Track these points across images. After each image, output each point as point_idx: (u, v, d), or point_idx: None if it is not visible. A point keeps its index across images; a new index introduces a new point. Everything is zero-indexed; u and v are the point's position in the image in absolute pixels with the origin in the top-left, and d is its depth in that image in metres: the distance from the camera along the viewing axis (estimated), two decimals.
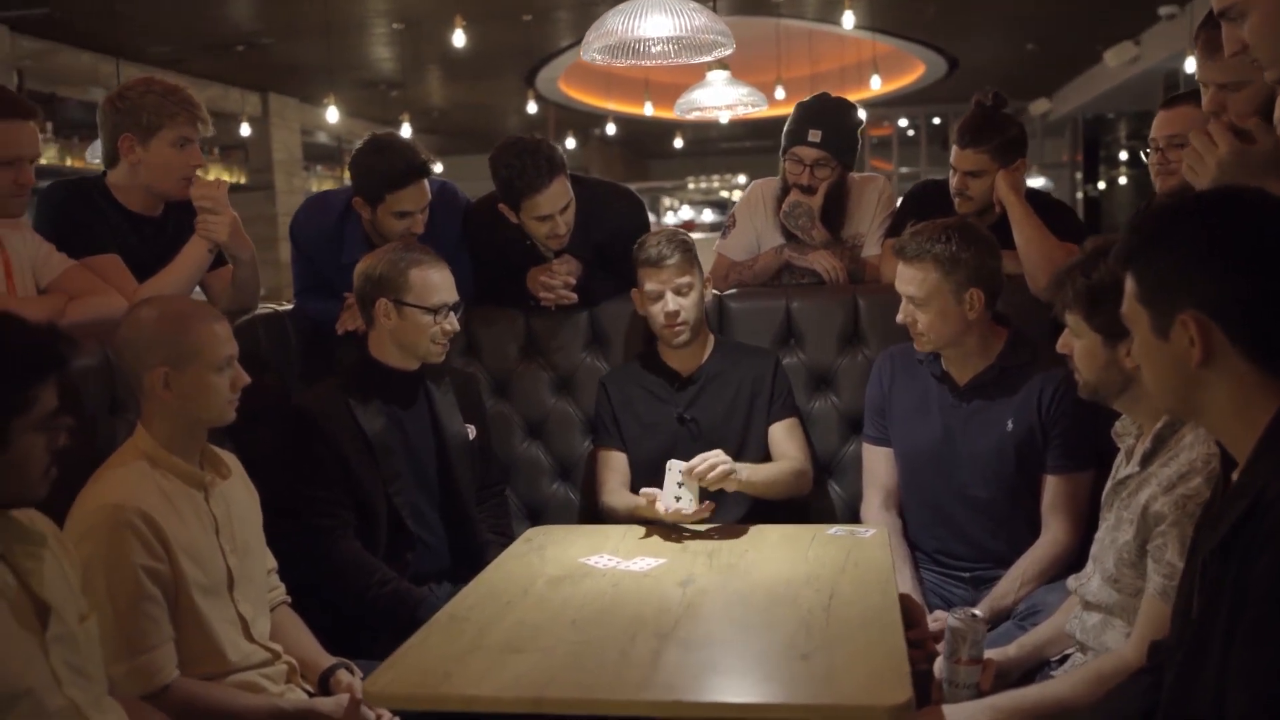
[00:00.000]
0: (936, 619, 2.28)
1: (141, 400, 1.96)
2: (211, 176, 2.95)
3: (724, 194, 18.50)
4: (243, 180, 10.42)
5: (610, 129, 13.27)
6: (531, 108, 10.64)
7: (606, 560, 2.17)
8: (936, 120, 15.08)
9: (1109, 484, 1.94)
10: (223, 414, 1.99)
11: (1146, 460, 1.82)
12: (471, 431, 2.63)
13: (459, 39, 6.99)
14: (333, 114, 8.58)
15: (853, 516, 2.78)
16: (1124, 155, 14.06)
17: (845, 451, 2.81)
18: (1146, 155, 2.80)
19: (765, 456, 2.66)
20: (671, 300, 2.64)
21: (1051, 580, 2.30)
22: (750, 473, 2.45)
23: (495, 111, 12.98)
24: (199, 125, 2.52)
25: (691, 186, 19.09)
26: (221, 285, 2.69)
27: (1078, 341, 1.89)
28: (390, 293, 2.45)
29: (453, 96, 12.20)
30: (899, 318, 2.43)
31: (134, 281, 2.46)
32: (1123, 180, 14.50)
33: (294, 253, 2.96)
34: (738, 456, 2.60)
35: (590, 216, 2.87)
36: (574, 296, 2.89)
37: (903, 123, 15.55)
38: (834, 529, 2.35)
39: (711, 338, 2.78)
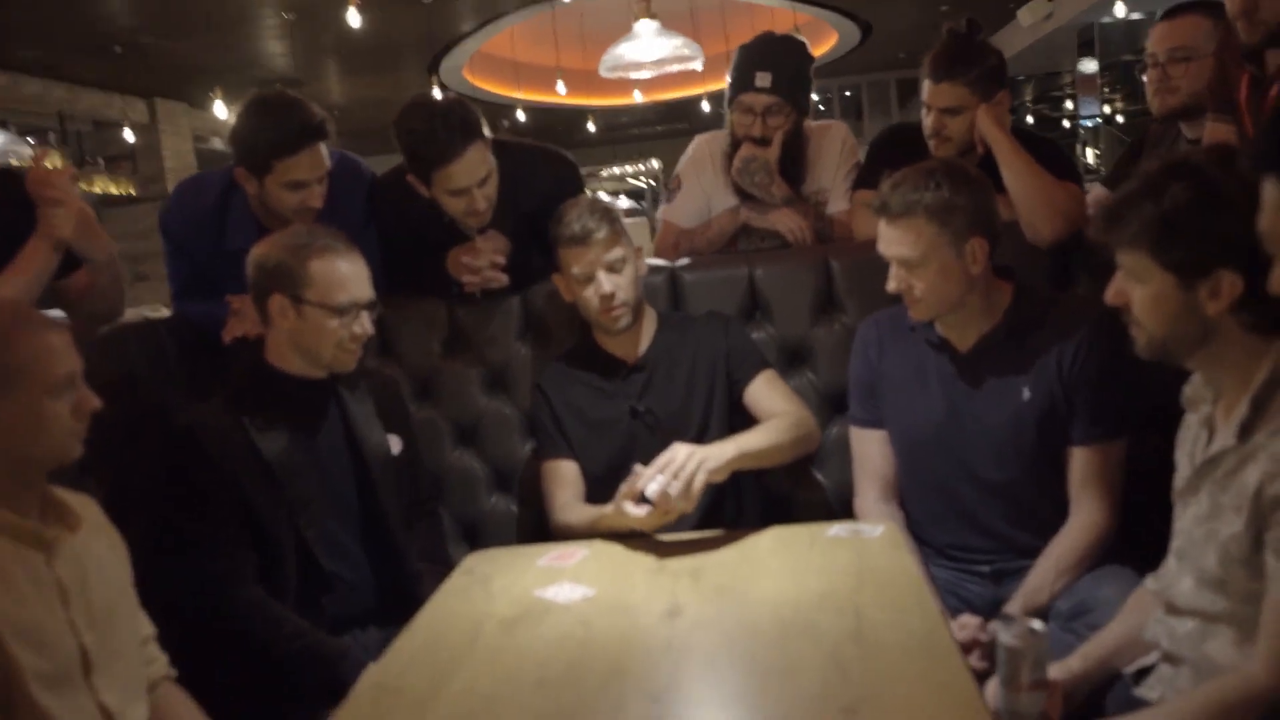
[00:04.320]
0: (964, 626, 1.93)
1: None
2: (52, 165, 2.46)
3: (639, 182, 18.16)
4: (131, 192, 9.77)
5: (520, 117, 12.81)
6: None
7: (568, 591, 1.77)
8: (848, 93, 14.86)
9: (1187, 460, 1.59)
10: (63, 449, 1.55)
11: (1246, 431, 1.46)
12: (395, 444, 2.21)
13: (354, 20, 6.50)
14: (221, 110, 8.05)
15: (844, 509, 2.41)
16: (1030, 120, 13.93)
17: (829, 435, 2.44)
18: (1142, 73, 2.49)
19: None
20: (605, 280, 2.24)
21: (1093, 568, 1.96)
22: (742, 443, 2.05)
23: (399, 106, 12.41)
24: None
25: (605, 174, 18.68)
26: (77, 292, 2.23)
27: (1140, 288, 1.52)
28: (287, 287, 2.02)
29: (353, 92, 11.63)
30: (891, 285, 2.06)
31: None
32: None
33: (166, 247, 2.50)
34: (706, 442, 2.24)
35: (517, 185, 2.46)
36: (503, 278, 2.48)
37: (814, 96, 15.29)
38: (834, 528, 1.98)
39: (653, 314, 2.39)
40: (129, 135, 9.39)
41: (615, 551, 1.97)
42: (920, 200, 1.99)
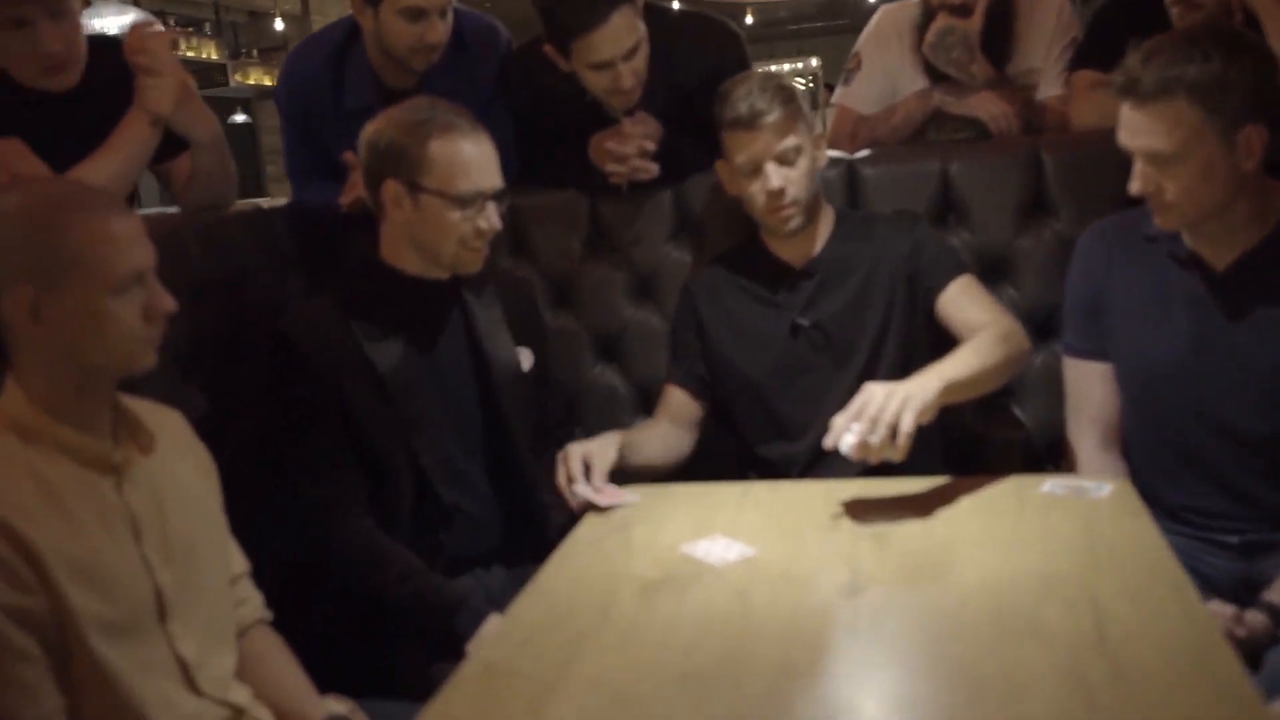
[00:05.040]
0: (1213, 614, 1.56)
1: (7, 339, 1.28)
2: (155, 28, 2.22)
3: (798, 82, 17.45)
4: None
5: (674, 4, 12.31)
6: None
7: (722, 549, 1.46)
8: None
9: None
10: (130, 357, 1.30)
11: None
12: (526, 358, 1.93)
13: None
14: None
15: (1050, 455, 2.04)
16: None
17: (1033, 365, 2.05)
18: None
19: (920, 361, 1.94)
20: (774, 174, 1.88)
21: None
22: (947, 371, 1.64)
23: None
24: None
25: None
26: (182, 178, 2.00)
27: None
28: (403, 172, 1.73)
29: None
30: (1134, 187, 1.64)
31: (46, 170, 1.78)
32: None
33: (283, 124, 2.26)
34: (879, 368, 1.90)
35: (672, 59, 2.11)
36: (654, 169, 2.13)
37: None
38: (1048, 483, 1.61)
39: (830, 212, 2.02)
40: (281, 25, 9.28)
41: (777, 500, 1.65)
42: (1183, 77, 1.56)
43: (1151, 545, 1.36)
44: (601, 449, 1.75)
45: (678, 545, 1.49)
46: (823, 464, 1.86)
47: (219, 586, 1.43)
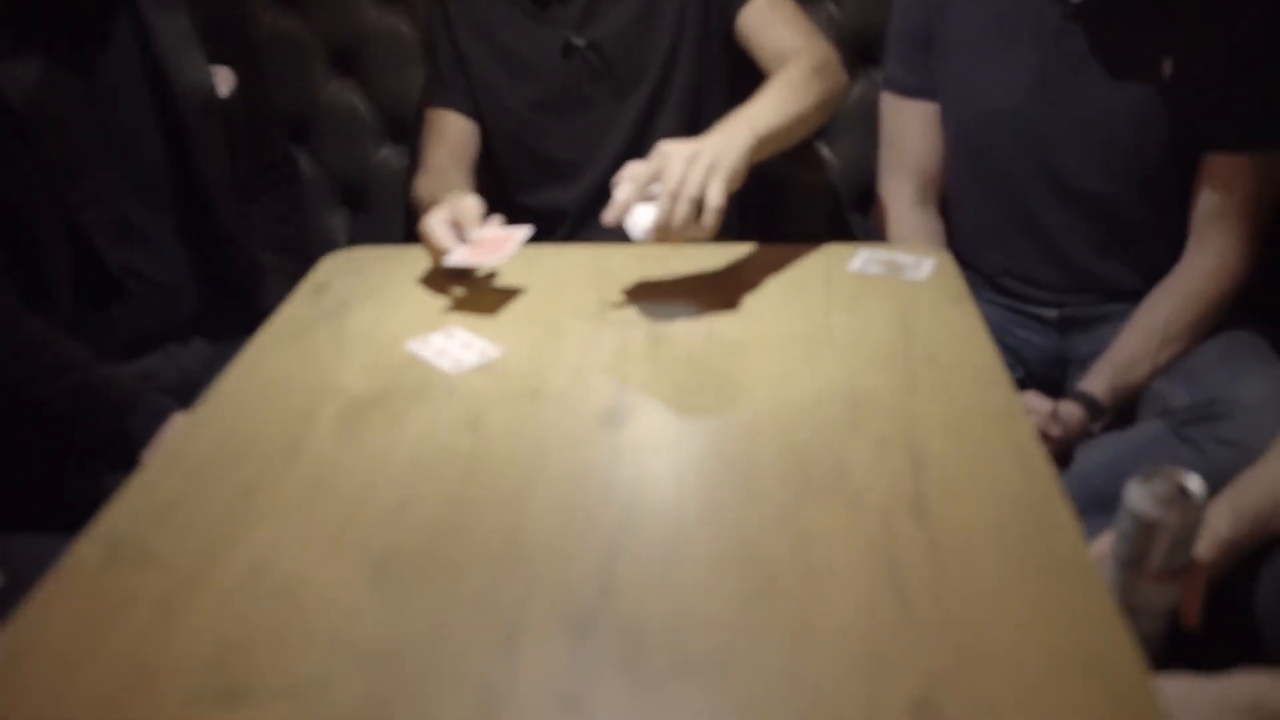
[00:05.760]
0: (1028, 407, 1.39)
1: None
2: None
3: None
4: None
5: None
6: None
7: (458, 346, 1.16)
8: None
9: None
10: None
11: None
12: (225, 80, 1.49)
13: None
14: None
15: (856, 200, 1.80)
16: None
17: (848, 99, 1.75)
18: None
19: (714, 94, 1.61)
20: None
21: (1220, 333, 1.39)
22: (755, 119, 1.28)
23: None
24: None
25: None
26: None
27: None
28: None
29: None
30: None
31: None
32: None
33: None
34: (666, 102, 1.59)
35: None
36: None
37: None
38: (859, 257, 1.35)
39: None
40: None
41: (535, 273, 1.34)
42: None
43: (979, 349, 1.12)
44: (457, 202, 1.32)
45: (404, 340, 1.17)
46: (596, 219, 1.56)
47: None
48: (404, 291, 1.31)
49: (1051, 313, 1.53)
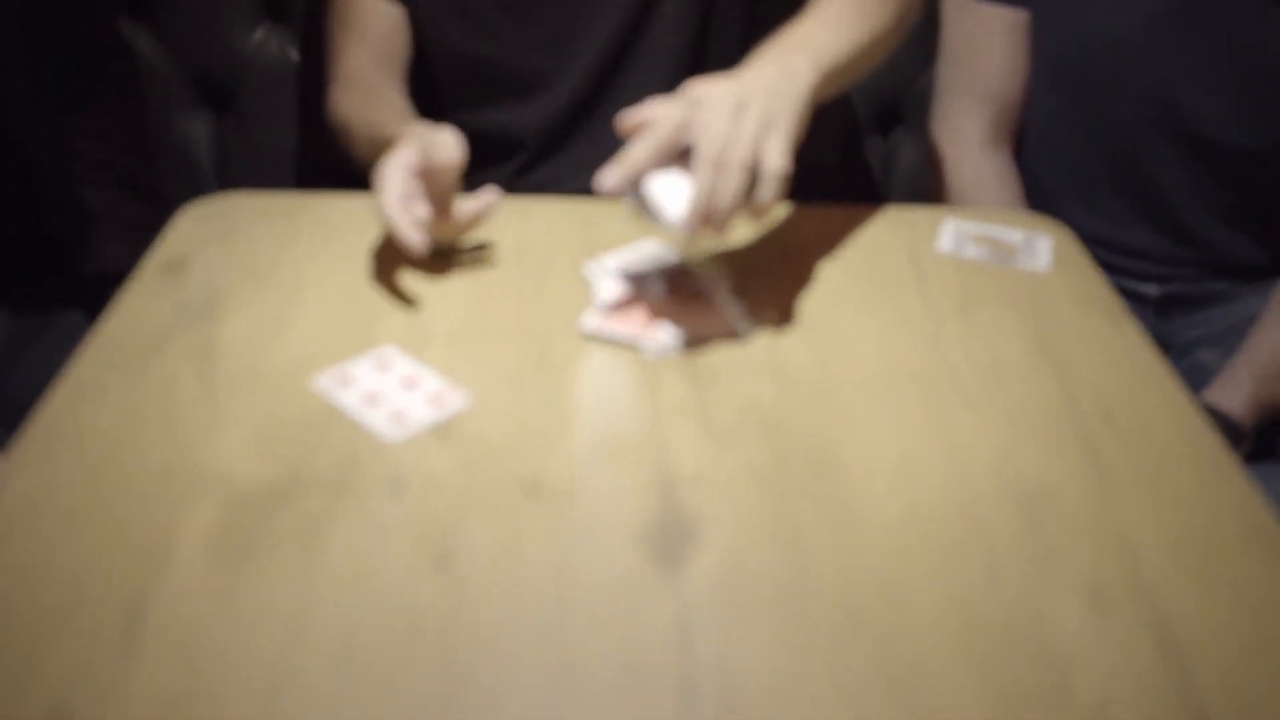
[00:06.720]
0: None
1: None
2: None
3: None
4: None
5: None
6: None
7: (396, 387, 0.75)
8: None
9: None
10: None
11: None
12: None
13: None
14: None
15: (880, 122, 1.41)
16: None
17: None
18: None
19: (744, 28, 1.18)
20: None
21: None
22: (821, 50, 0.86)
23: None
24: None
25: None
26: None
27: None
28: None
29: None
30: None
31: None
32: None
33: None
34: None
35: None
36: None
37: None
38: (947, 233, 0.97)
39: None
40: None
41: (498, 237, 0.93)
42: None
43: (1169, 398, 0.77)
44: (429, 139, 0.86)
45: (309, 372, 0.76)
46: (566, 149, 1.15)
47: None
48: (306, 274, 0.89)
49: (1152, 289, 1.20)
